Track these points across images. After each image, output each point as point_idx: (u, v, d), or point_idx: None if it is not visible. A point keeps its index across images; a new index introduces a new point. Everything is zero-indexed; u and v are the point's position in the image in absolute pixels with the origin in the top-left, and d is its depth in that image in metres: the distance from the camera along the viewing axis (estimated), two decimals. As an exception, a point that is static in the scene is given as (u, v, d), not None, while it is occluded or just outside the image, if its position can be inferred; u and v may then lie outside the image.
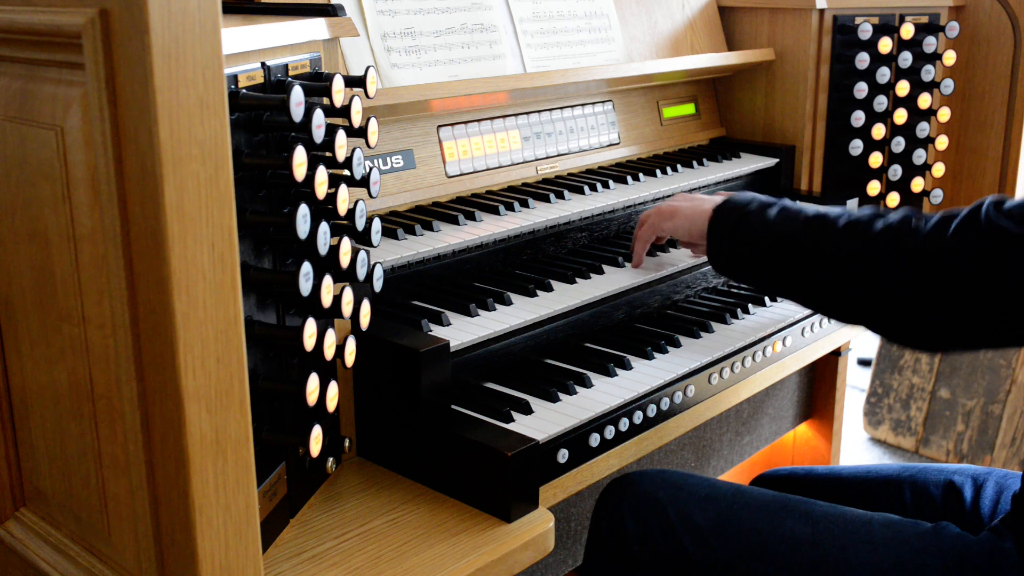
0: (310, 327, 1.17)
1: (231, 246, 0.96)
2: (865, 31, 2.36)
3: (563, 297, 1.67)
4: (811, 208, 1.47)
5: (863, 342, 4.56)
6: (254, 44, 1.19)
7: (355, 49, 1.76)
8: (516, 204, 1.86)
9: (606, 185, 2.05)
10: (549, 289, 1.69)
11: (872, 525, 1.49)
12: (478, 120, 1.97)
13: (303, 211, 1.14)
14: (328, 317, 1.29)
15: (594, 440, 1.49)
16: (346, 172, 1.29)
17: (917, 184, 2.51)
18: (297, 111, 1.14)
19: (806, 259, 1.42)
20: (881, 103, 2.43)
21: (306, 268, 1.15)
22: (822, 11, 2.37)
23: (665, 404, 1.62)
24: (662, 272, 1.84)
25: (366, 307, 1.31)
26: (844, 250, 1.36)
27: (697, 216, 1.63)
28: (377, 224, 1.35)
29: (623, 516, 1.58)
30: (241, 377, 0.99)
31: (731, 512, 1.54)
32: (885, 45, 2.38)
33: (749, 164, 2.36)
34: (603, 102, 2.24)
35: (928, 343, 1.37)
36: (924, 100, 2.45)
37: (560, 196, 1.94)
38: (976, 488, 1.72)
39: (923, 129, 2.46)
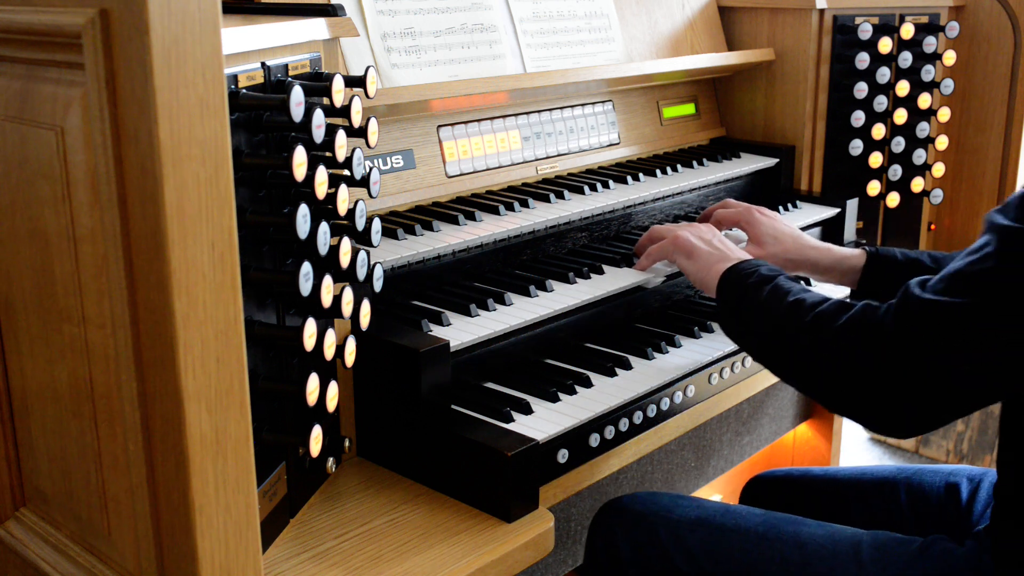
0: (310, 327, 1.17)
1: (231, 246, 0.96)
2: (865, 31, 2.36)
3: (563, 297, 1.67)
4: (797, 290, 1.48)
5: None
6: (254, 44, 1.19)
7: (355, 49, 1.76)
8: (516, 204, 1.86)
9: (606, 185, 2.05)
10: (549, 289, 1.69)
11: (860, 546, 1.51)
12: (478, 120, 1.97)
13: (303, 211, 1.14)
14: (328, 317, 1.29)
15: (594, 440, 1.49)
16: (346, 172, 1.29)
17: (917, 184, 2.51)
18: (297, 111, 1.14)
19: (781, 343, 1.45)
20: (881, 103, 2.43)
21: (306, 268, 1.15)
22: (822, 11, 2.37)
23: (665, 404, 1.62)
24: (662, 273, 1.84)
25: (366, 307, 1.31)
26: (810, 341, 1.39)
27: (710, 276, 1.64)
28: (377, 224, 1.35)
29: (617, 540, 1.61)
30: (241, 377, 0.99)
31: (721, 534, 1.58)
32: (885, 45, 2.38)
33: (749, 164, 2.36)
34: (603, 102, 2.24)
35: (889, 428, 1.38)
36: (924, 100, 2.45)
37: (560, 196, 1.94)
38: (972, 489, 1.72)
39: (923, 129, 2.46)
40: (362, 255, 1.30)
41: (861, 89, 2.37)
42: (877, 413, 1.35)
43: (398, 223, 1.70)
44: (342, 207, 1.26)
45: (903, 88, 2.42)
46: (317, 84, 1.27)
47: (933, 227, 2.68)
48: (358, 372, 1.47)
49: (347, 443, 1.42)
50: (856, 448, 4.01)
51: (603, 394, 1.55)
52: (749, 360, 1.79)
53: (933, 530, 1.71)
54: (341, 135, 1.25)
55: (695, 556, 1.56)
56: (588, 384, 1.58)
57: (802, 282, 1.70)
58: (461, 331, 1.51)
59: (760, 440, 2.48)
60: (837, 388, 1.37)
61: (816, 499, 1.88)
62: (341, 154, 1.26)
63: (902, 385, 1.29)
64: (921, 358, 1.27)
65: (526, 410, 1.48)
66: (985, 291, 1.22)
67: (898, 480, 1.80)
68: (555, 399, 1.52)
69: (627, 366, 1.65)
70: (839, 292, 1.97)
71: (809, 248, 1.82)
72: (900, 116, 2.43)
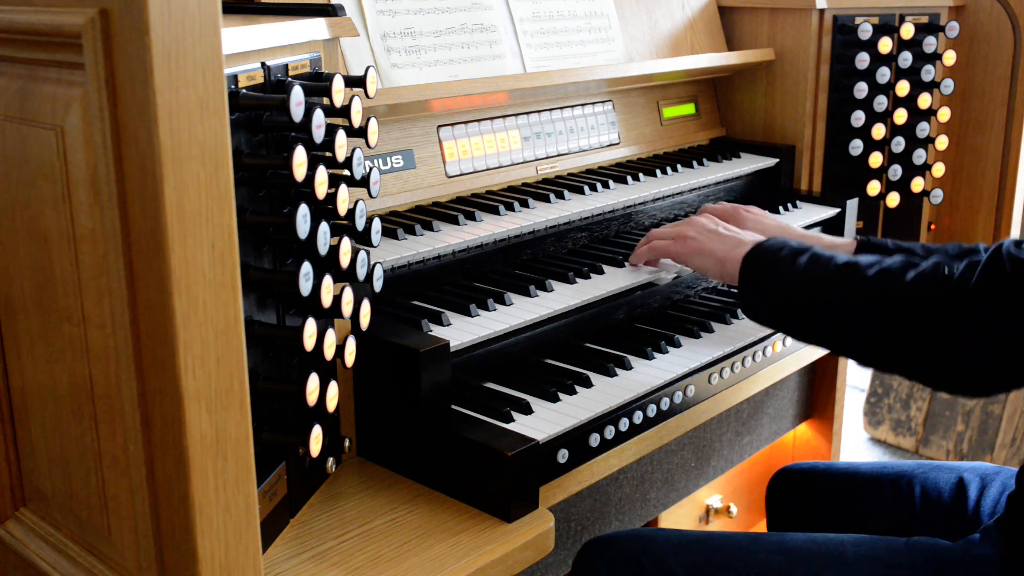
0: (310, 327, 1.17)
1: (231, 246, 0.96)
2: (865, 31, 2.36)
3: (563, 297, 1.67)
4: (841, 256, 1.44)
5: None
6: (254, 44, 1.19)
7: (355, 49, 1.76)
8: (516, 204, 1.86)
9: (606, 185, 2.05)
10: (549, 289, 1.69)
11: (844, 547, 1.50)
12: (478, 120, 1.97)
13: (303, 211, 1.14)
14: (328, 317, 1.29)
15: (594, 440, 1.49)
16: (346, 172, 1.29)
17: (917, 184, 2.51)
18: (297, 111, 1.14)
19: (838, 309, 1.41)
20: (881, 103, 2.43)
21: (306, 268, 1.15)
22: (822, 11, 2.37)
23: (665, 404, 1.62)
24: (662, 273, 1.84)
25: (366, 307, 1.31)
26: (877, 300, 1.35)
27: (729, 262, 1.59)
28: (377, 224, 1.35)
29: (597, 572, 1.57)
30: (241, 377, 0.99)
31: (704, 555, 1.54)
32: (885, 45, 2.38)
33: (749, 164, 2.36)
34: (603, 102, 2.24)
35: (967, 388, 1.35)
36: (924, 100, 2.45)
37: (560, 196, 1.94)
38: (981, 487, 1.72)
39: (923, 129, 2.46)
40: (362, 255, 1.30)
41: (861, 89, 2.37)
42: (949, 372, 1.31)
43: (398, 223, 1.70)
44: (342, 207, 1.26)
45: (903, 88, 2.42)
46: (317, 84, 1.27)
47: (933, 227, 2.68)
48: (358, 372, 1.47)
49: (347, 443, 1.42)
50: (856, 448, 4.01)
51: (603, 394, 1.55)
52: (749, 360, 1.79)
53: (940, 526, 1.71)
54: (341, 135, 1.25)
55: None
56: (588, 384, 1.58)
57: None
58: (461, 331, 1.51)
59: (760, 440, 2.48)
60: (905, 348, 1.33)
61: (835, 492, 1.88)
62: (341, 154, 1.26)
63: (982, 344, 1.26)
64: (1008, 317, 1.24)
65: (526, 410, 1.48)
66: None
67: (915, 475, 1.80)
68: (555, 399, 1.52)
69: (627, 366, 1.65)
70: None
71: (796, 236, 1.80)
72: (900, 116, 2.43)
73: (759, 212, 1.88)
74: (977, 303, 1.26)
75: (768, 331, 1.84)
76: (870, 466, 1.90)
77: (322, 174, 1.20)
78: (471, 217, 1.78)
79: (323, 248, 1.20)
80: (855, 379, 4.44)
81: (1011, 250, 1.27)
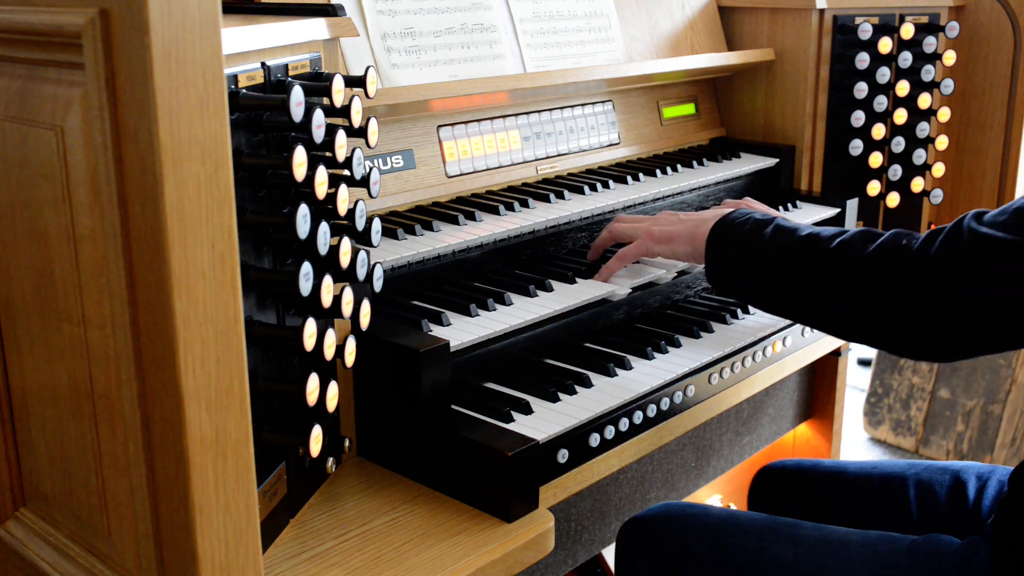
0: (310, 327, 1.17)
1: (231, 246, 0.96)
2: (865, 31, 2.36)
3: (563, 297, 1.67)
4: (804, 228, 1.48)
5: (863, 342, 4.55)
6: (254, 44, 1.19)
7: (355, 49, 1.76)
8: (516, 204, 1.86)
9: (606, 185, 2.05)
10: (549, 289, 1.69)
11: (849, 544, 1.53)
12: (478, 120, 1.97)
13: (303, 211, 1.14)
14: (328, 317, 1.29)
15: (594, 440, 1.49)
16: (346, 172, 1.29)
17: (917, 184, 2.51)
18: (297, 111, 1.14)
19: (802, 279, 1.45)
20: (881, 103, 2.43)
21: (306, 268, 1.15)
22: (822, 11, 2.37)
23: (665, 404, 1.62)
24: (661, 273, 1.84)
25: (366, 307, 1.31)
26: (838, 270, 1.40)
27: (697, 238, 1.62)
28: (377, 224, 1.35)
29: (636, 564, 1.71)
30: (241, 377, 0.99)
31: (724, 539, 1.62)
32: (885, 45, 2.38)
33: (749, 164, 2.36)
34: (603, 102, 2.24)
35: (927, 353, 1.40)
36: (924, 100, 2.45)
37: (560, 196, 1.94)
38: (979, 486, 1.72)
39: (923, 129, 2.46)
40: (362, 255, 1.30)
41: (861, 89, 2.37)
42: (911, 339, 1.35)
43: (398, 223, 1.70)
44: (342, 207, 1.26)
45: (903, 88, 2.42)
46: (317, 84, 1.27)
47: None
48: (358, 372, 1.47)
49: (347, 443, 1.42)
50: (856, 448, 4.01)
51: (603, 394, 1.55)
52: (749, 360, 1.79)
53: (939, 528, 1.71)
54: (341, 135, 1.25)
55: (702, 564, 1.61)
56: (588, 384, 1.58)
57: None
58: (461, 331, 1.51)
59: (760, 440, 2.48)
60: (867, 316, 1.37)
61: (824, 492, 1.88)
62: (341, 154, 1.26)
63: (941, 311, 1.29)
64: (965, 286, 1.27)
65: (526, 410, 1.48)
66: None
67: (907, 476, 1.80)
68: (555, 399, 1.52)
69: (627, 366, 1.65)
70: None
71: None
72: (900, 116, 2.43)
73: (758, 206, 1.89)
74: (936, 272, 1.30)
75: (768, 331, 1.84)
76: (858, 465, 1.90)
77: (322, 174, 1.20)
78: (471, 217, 1.78)
79: (323, 248, 1.20)
80: (855, 379, 4.44)
81: (971, 223, 1.30)
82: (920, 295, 1.31)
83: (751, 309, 1.92)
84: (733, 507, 2.58)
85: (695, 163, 2.29)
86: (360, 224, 1.31)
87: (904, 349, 1.40)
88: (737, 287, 1.58)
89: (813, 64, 2.39)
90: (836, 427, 2.69)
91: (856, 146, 2.42)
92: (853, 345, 3.07)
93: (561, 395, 1.53)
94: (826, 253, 1.41)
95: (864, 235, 1.40)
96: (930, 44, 2.41)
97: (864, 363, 4.65)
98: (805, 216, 2.24)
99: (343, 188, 1.26)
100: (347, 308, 1.26)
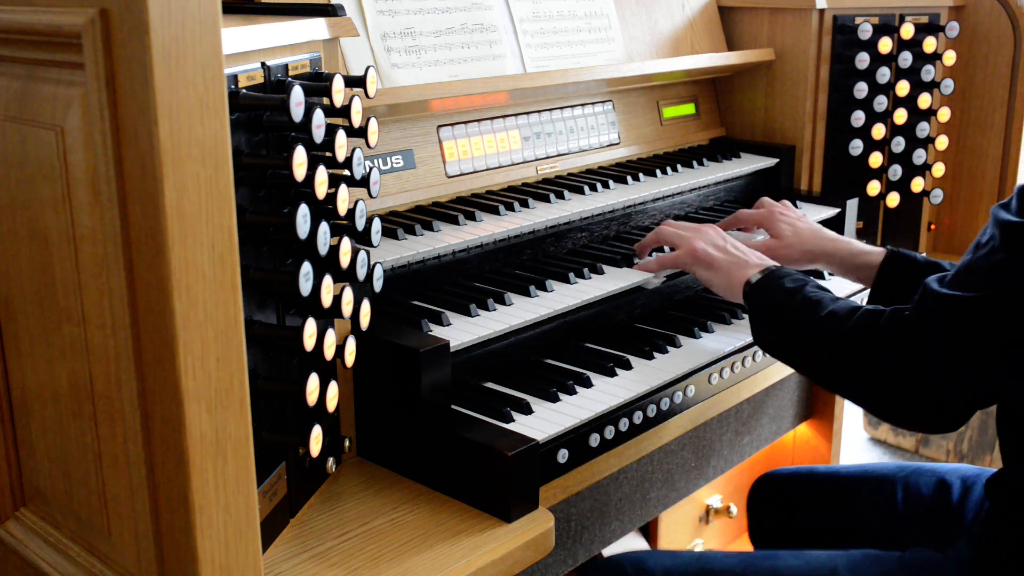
0: (310, 327, 1.17)
1: (231, 246, 0.96)
2: (865, 31, 2.36)
3: (563, 297, 1.67)
4: (828, 301, 1.50)
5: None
6: (254, 44, 1.19)
7: (355, 49, 1.76)
8: (516, 204, 1.86)
9: (606, 185, 2.05)
10: (549, 289, 1.69)
11: (837, 570, 1.52)
12: (478, 120, 1.97)
13: (303, 211, 1.14)
14: (328, 317, 1.29)
15: (594, 440, 1.49)
16: (346, 172, 1.29)
17: (917, 184, 2.51)
18: (297, 111, 1.14)
19: (821, 355, 1.49)
20: (881, 103, 2.43)
21: (306, 268, 1.15)
22: (822, 11, 2.37)
23: (665, 404, 1.62)
24: (663, 273, 1.84)
25: (366, 307, 1.31)
26: (854, 352, 1.42)
27: (735, 282, 1.65)
28: (377, 224, 1.35)
29: None
30: (241, 377, 0.99)
31: None
32: (885, 45, 2.38)
33: (749, 164, 2.36)
34: (603, 102, 2.24)
35: (927, 425, 1.41)
36: (924, 100, 2.45)
37: (560, 196, 1.94)
38: (964, 489, 1.73)
39: (923, 129, 2.46)
40: (362, 255, 1.30)
41: (861, 89, 2.37)
42: (902, 410, 1.38)
43: (398, 223, 1.70)
44: (342, 207, 1.26)
45: (903, 88, 2.42)
46: (317, 84, 1.27)
47: (933, 227, 2.68)
48: (358, 372, 1.47)
49: (347, 443, 1.42)
50: (856, 448, 4.01)
51: (603, 394, 1.55)
52: (749, 360, 1.79)
53: (924, 529, 1.71)
54: (341, 135, 1.25)
55: None
56: (588, 384, 1.58)
57: (812, 276, 1.71)
58: (461, 331, 1.51)
59: (760, 440, 2.47)
60: (862, 387, 1.41)
61: (820, 497, 1.89)
62: (341, 154, 1.26)
63: (921, 380, 1.31)
64: (940, 352, 1.29)
65: (526, 410, 1.48)
66: (995, 284, 1.23)
67: (896, 478, 1.81)
68: (555, 399, 1.52)
69: (627, 366, 1.65)
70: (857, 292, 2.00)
71: (827, 240, 1.84)
72: (900, 116, 2.43)
73: (793, 214, 1.91)
74: (912, 341, 1.33)
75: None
76: (851, 470, 1.90)
77: (322, 174, 1.20)
78: (471, 217, 1.78)
79: (323, 248, 1.20)
80: (855, 379, 4.43)
81: (931, 286, 1.32)
82: (899, 364, 1.34)
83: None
84: (733, 508, 2.58)
85: (695, 163, 2.29)
86: (360, 224, 1.31)
87: (904, 419, 1.41)
88: (771, 348, 1.62)
89: (813, 64, 2.39)
90: (836, 427, 2.69)
91: (856, 146, 2.42)
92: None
93: (561, 395, 1.53)
94: (844, 334, 1.43)
95: (850, 308, 1.44)
96: (930, 44, 2.41)
97: (864, 363, 4.64)
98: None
99: (343, 188, 1.26)
100: (347, 308, 1.26)
